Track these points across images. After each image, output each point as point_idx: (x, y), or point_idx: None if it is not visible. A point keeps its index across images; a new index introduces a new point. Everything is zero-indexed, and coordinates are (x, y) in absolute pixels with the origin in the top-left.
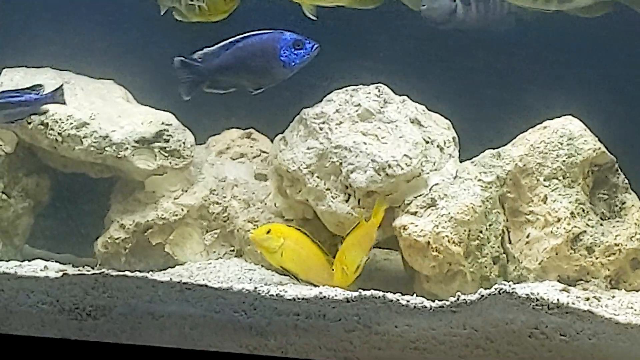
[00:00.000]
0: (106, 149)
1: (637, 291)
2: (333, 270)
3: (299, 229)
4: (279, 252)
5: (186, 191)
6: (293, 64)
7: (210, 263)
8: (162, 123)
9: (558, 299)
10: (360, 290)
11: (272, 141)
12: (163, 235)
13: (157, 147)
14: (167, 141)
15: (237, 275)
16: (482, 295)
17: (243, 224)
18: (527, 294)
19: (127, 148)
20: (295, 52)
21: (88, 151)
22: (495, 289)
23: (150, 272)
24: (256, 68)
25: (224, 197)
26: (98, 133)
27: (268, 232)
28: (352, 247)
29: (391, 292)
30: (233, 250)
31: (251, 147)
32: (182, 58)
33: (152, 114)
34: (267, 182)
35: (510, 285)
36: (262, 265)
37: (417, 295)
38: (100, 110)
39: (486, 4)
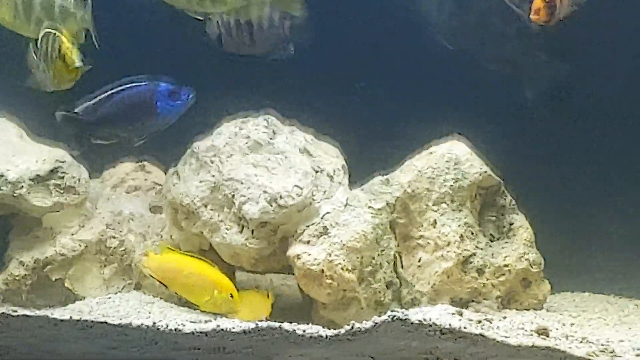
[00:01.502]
0: (2, 187)
1: (527, 310)
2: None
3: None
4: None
5: (83, 226)
6: (170, 114)
7: (110, 297)
8: (56, 160)
9: (450, 324)
10: (257, 322)
11: (165, 172)
12: (62, 270)
13: (52, 184)
14: (62, 178)
15: (136, 308)
16: (376, 323)
17: (140, 258)
18: (419, 320)
19: (22, 187)
20: (172, 102)
21: None
22: (389, 316)
23: (51, 311)
24: (134, 120)
25: (121, 231)
26: None
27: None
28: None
29: (288, 322)
30: (132, 283)
31: (145, 179)
32: (63, 112)
33: (45, 151)
34: (163, 215)
35: (403, 312)
36: (160, 298)
37: (314, 322)
38: None
39: (252, 32)
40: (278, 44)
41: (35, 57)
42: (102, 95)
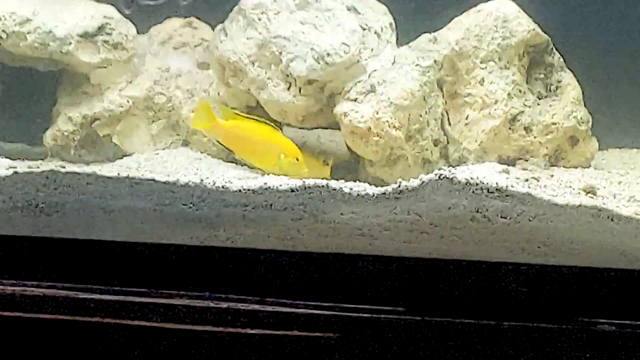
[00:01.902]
0: (50, 44)
1: (575, 168)
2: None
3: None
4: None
5: (131, 83)
6: None
7: (158, 153)
8: (104, 17)
9: (497, 183)
10: (304, 179)
11: (213, 29)
12: (110, 126)
13: (100, 40)
14: (110, 34)
15: (184, 165)
16: (423, 181)
17: (188, 114)
18: (467, 179)
19: (70, 43)
20: None
21: (32, 47)
22: (436, 175)
23: (99, 167)
24: None
25: (168, 87)
26: (41, 29)
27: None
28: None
29: (335, 179)
30: (179, 139)
31: (193, 36)
32: None
33: (93, 7)
34: (210, 71)
35: (450, 170)
36: (208, 154)
37: (362, 179)
38: (42, 6)
39: None
40: None
41: None
42: None
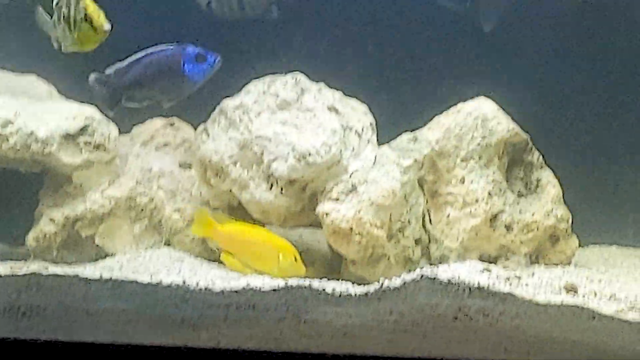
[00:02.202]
0: (32, 145)
1: (556, 266)
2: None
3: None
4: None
5: (113, 183)
6: (197, 77)
7: (140, 254)
8: (86, 118)
9: (479, 282)
10: (286, 280)
11: (195, 129)
12: (93, 227)
13: (82, 141)
14: (92, 135)
15: (166, 265)
16: (406, 281)
17: (170, 214)
18: (449, 278)
19: (52, 144)
20: (198, 65)
21: (14, 149)
22: (418, 274)
23: (82, 269)
24: (163, 83)
25: (150, 187)
26: (23, 130)
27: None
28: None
29: (317, 279)
30: (162, 240)
31: (174, 136)
32: (95, 75)
33: (75, 108)
34: (192, 171)
35: (432, 270)
36: (190, 254)
37: (344, 278)
38: (25, 107)
39: None
40: (264, 6)
41: (49, 19)
42: (132, 58)
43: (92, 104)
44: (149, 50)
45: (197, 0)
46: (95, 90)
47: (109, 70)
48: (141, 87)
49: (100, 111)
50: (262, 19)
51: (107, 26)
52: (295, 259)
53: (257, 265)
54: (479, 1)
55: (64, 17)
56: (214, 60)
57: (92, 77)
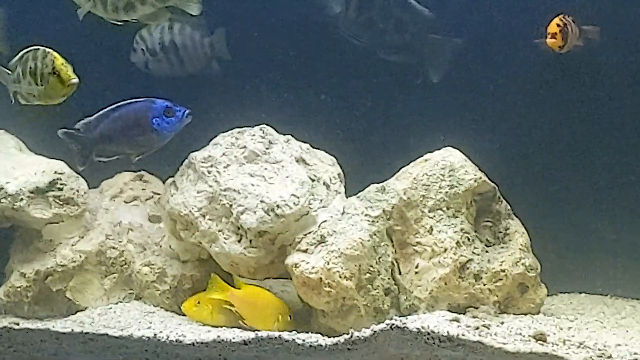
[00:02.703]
0: (2, 200)
1: (525, 315)
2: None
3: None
4: (211, 317)
5: (83, 237)
6: (165, 132)
7: (111, 308)
8: (55, 172)
9: (449, 332)
10: (256, 332)
11: (163, 182)
12: (63, 281)
13: (51, 196)
14: (61, 189)
15: (137, 319)
16: (375, 331)
17: (140, 268)
18: (417, 328)
19: (22, 199)
20: (167, 119)
21: None
22: (387, 324)
23: (53, 324)
24: (132, 137)
25: (120, 241)
26: None
27: (197, 303)
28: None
29: (287, 331)
30: (132, 293)
31: (143, 189)
32: (65, 129)
33: (44, 163)
34: (162, 224)
35: (401, 320)
36: (161, 307)
37: (314, 329)
38: None
39: (177, 52)
40: (203, 61)
41: (10, 74)
42: (101, 113)
43: (60, 159)
44: (119, 104)
45: (134, 60)
46: (66, 145)
47: (79, 125)
48: (110, 141)
49: (69, 166)
50: (204, 74)
51: (74, 80)
52: (290, 317)
53: (260, 325)
54: (426, 53)
55: (30, 70)
56: (183, 114)
57: (62, 131)
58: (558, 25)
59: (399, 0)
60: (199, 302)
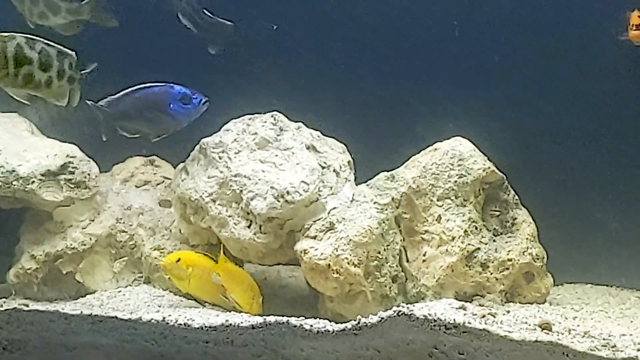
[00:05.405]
0: (13, 183)
1: (531, 304)
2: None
3: (208, 255)
4: (186, 279)
5: (93, 220)
6: (181, 117)
7: (120, 291)
8: (67, 155)
9: (455, 319)
10: (264, 316)
11: (174, 167)
12: (73, 264)
13: (63, 179)
14: (73, 173)
15: (146, 302)
16: (382, 318)
17: (150, 251)
18: (424, 315)
19: (33, 181)
20: (183, 106)
21: None
22: (394, 311)
23: (62, 305)
24: (149, 118)
25: (130, 225)
26: (5, 168)
27: (177, 260)
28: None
29: (295, 316)
30: (142, 277)
31: (154, 174)
32: (91, 102)
33: (57, 146)
34: (172, 209)
35: (408, 307)
36: (170, 291)
37: (321, 315)
38: (6, 145)
39: None
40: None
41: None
42: (123, 92)
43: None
44: (140, 86)
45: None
46: (92, 116)
47: (101, 101)
48: (130, 119)
49: (80, 149)
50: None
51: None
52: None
53: (238, 301)
54: (208, 30)
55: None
56: (199, 102)
57: (90, 103)
58: None
59: None
60: (179, 260)
